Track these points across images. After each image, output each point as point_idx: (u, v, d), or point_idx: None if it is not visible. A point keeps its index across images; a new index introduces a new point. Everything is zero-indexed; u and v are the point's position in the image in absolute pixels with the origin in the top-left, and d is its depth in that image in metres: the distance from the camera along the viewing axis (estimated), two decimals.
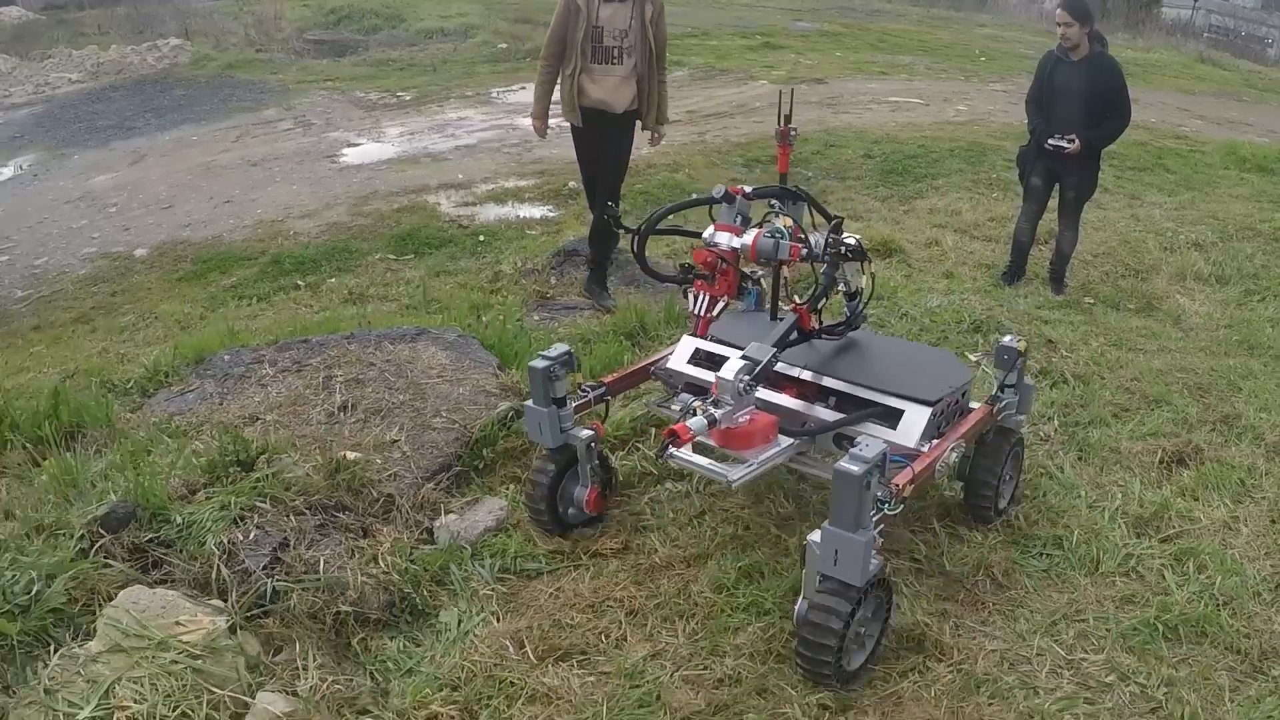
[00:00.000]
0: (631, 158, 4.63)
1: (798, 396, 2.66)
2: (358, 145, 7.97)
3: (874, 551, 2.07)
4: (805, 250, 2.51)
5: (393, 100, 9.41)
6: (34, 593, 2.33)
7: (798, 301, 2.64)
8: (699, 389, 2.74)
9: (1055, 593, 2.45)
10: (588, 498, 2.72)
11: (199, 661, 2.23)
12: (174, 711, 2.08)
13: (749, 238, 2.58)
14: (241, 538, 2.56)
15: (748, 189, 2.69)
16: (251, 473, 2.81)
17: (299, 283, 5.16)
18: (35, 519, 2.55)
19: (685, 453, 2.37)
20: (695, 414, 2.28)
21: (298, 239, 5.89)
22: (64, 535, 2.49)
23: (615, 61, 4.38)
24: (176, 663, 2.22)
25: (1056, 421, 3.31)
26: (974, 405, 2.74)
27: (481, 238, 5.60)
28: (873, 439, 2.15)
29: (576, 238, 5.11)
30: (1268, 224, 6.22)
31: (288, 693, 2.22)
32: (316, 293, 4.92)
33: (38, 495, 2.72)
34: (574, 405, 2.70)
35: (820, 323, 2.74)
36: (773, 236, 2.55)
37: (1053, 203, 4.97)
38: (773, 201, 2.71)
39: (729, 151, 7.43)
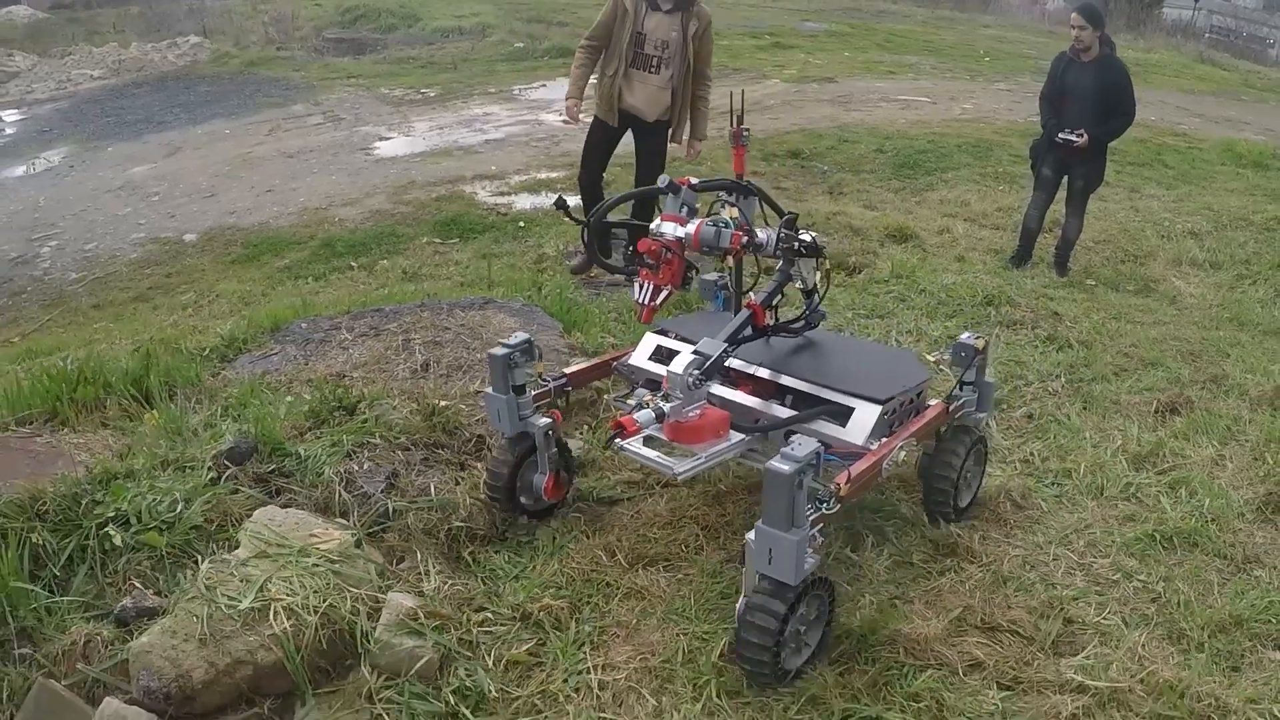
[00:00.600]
0: (688, 159, 4.91)
1: (754, 394, 2.73)
2: (389, 139, 8.38)
3: (811, 550, 2.11)
4: (746, 239, 2.54)
5: (418, 97, 9.82)
6: (176, 512, 2.71)
7: (752, 298, 2.70)
8: (656, 384, 2.79)
9: (1066, 513, 2.86)
10: (546, 485, 2.82)
11: (336, 565, 2.62)
12: (322, 604, 2.46)
13: (692, 227, 2.61)
14: (356, 468, 2.95)
15: (694, 180, 2.70)
16: (354, 417, 3.20)
17: (352, 264, 5.56)
18: (159, 455, 2.89)
19: (634, 444, 2.42)
20: (645, 407, 2.37)
21: (343, 225, 6.29)
22: (191, 468, 2.84)
23: (653, 70, 4.51)
24: (318, 565, 2.60)
25: (1063, 379, 3.74)
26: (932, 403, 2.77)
27: (521, 223, 6.01)
28: (806, 438, 2.18)
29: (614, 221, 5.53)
30: (1260, 215, 6.67)
31: (414, 592, 2.62)
32: (371, 272, 5.32)
33: (149, 440, 3.04)
34: (533, 394, 2.79)
35: (775, 319, 2.79)
36: (715, 225, 2.58)
37: (1061, 193, 5.39)
38: (722, 194, 2.75)
39: (749, 147, 7.84)
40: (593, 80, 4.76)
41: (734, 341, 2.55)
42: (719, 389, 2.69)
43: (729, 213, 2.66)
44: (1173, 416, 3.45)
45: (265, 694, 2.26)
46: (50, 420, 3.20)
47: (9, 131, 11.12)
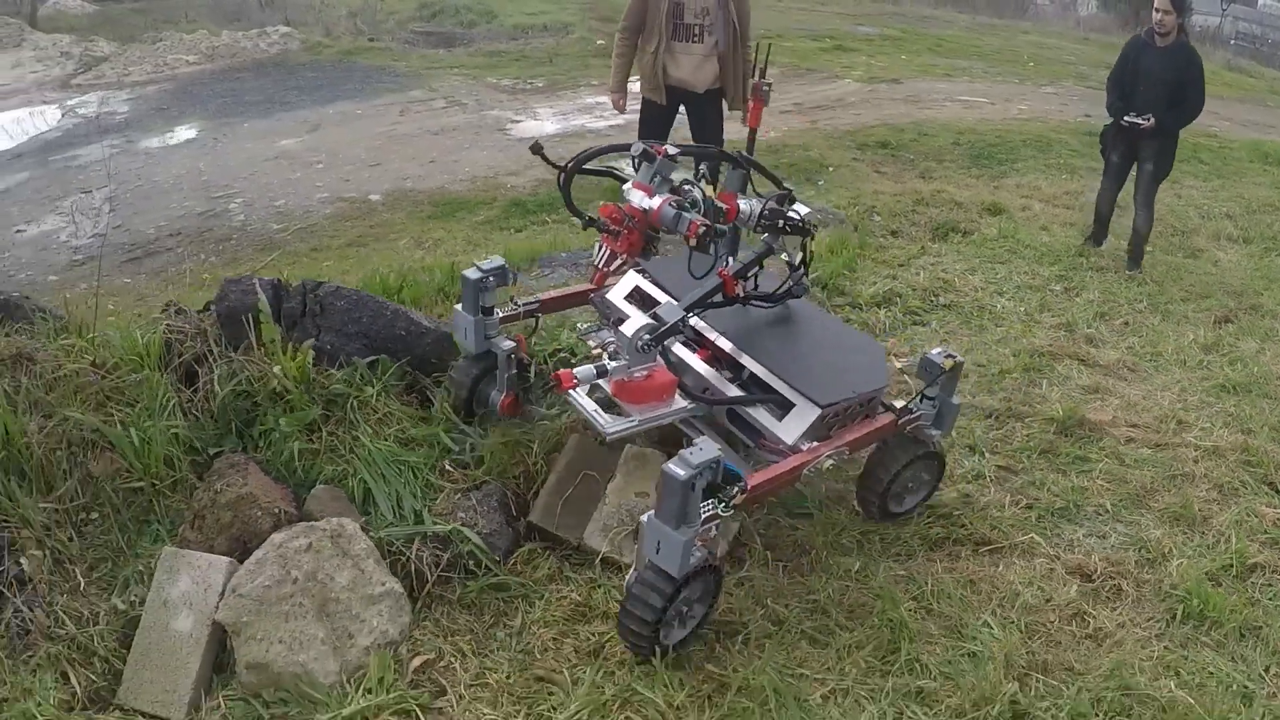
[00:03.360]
0: (764, 137, 5.40)
1: (710, 361, 2.83)
2: (519, 122, 9.96)
3: (699, 545, 2.28)
4: (704, 229, 2.55)
5: (527, 86, 11.42)
6: None
7: (726, 267, 2.78)
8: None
9: (1163, 375, 4.50)
10: (503, 402, 3.09)
11: None
12: None
13: (656, 201, 2.62)
14: None
15: (672, 149, 2.70)
16: None
17: (547, 219, 7.11)
18: None
19: (578, 394, 2.61)
20: (604, 356, 2.59)
21: (517, 190, 7.85)
22: None
23: (696, 40, 4.60)
24: None
25: (1145, 302, 5.37)
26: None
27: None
28: (708, 443, 2.32)
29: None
30: None
31: None
32: (573, 226, 6.88)
33: None
34: (501, 316, 3.04)
35: (745, 290, 2.89)
36: (675, 208, 2.60)
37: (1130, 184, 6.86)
38: (702, 166, 2.80)
39: (841, 136, 9.49)
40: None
41: (697, 309, 2.70)
42: (679, 349, 2.84)
43: (703, 189, 2.70)
44: (1226, 324, 5.10)
45: None
46: None
47: (124, 109, 12.60)
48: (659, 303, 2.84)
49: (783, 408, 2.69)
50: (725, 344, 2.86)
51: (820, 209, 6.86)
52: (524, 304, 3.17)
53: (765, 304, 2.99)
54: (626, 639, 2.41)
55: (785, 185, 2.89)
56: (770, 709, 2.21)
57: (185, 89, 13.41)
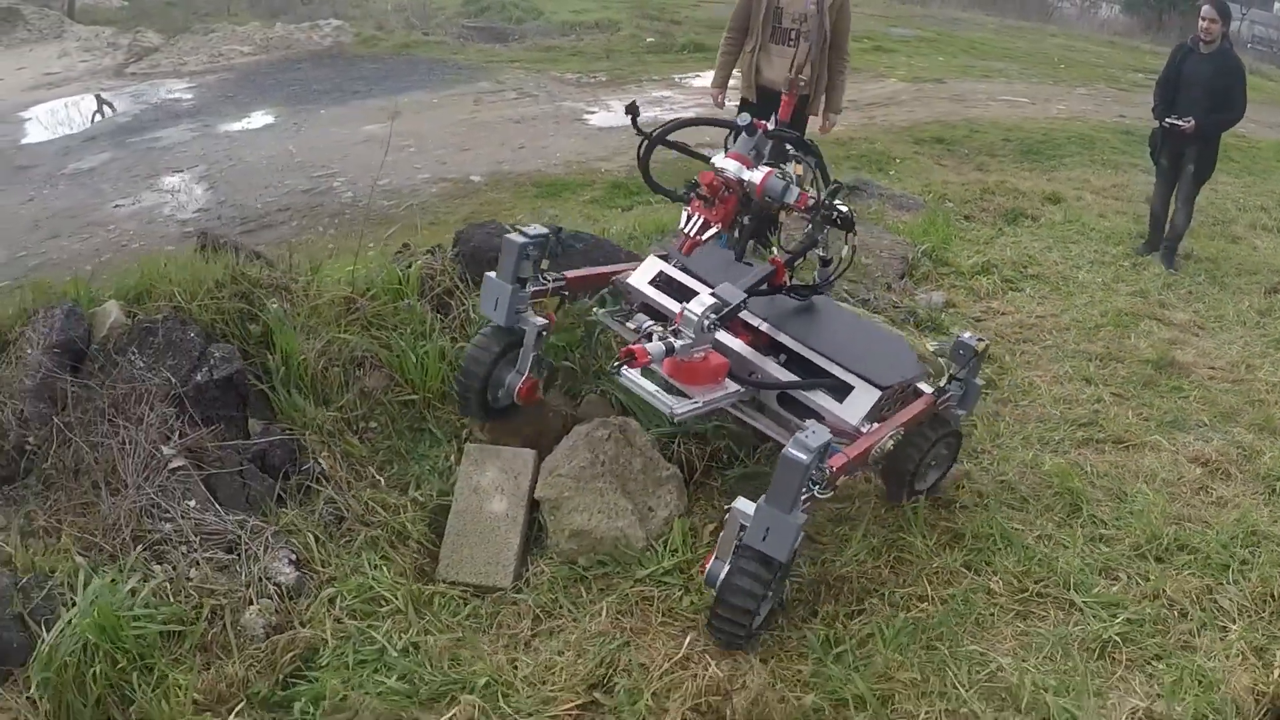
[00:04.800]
0: (827, 132, 5.56)
1: (750, 345, 2.92)
2: (594, 113, 10.88)
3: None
4: (813, 200, 2.68)
5: (591, 80, 12.35)
6: None
7: (779, 253, 2.93)
8: (654, 312, 3.07)
9: (1225, 333, 5.47)
10: (522, 386, 3.06)
11: None
12: None
13: (759, 174, 2.69)
14: None
15: (769, 125, 2.82)
16: None
17: (649, 200, 8.01)
18: None
19: (634, 375, 2.64)
20: (653, 339, 2.57)
21: (612, 174, 8.75)
22: None
23: (791, 43, 4.90)
24: None
25: (1204, 276, 6.36)
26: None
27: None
28: (819, 426, 2.39)
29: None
30: None
31: None
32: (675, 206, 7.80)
33: None
34: (532, 290, 2.99)
35: (791, 279, 3.02)
36: (784, 179, 2.69)
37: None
38: (789, 146, 2.90)
39: (899, 132, 10.47)
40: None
41: (751, 293, 2.78)
42: (722, 334, 2.90)
43: (794, 168, 2.81)
44: (1275, 294, 6.11)
45: None
46: None
47: (189, 97, 13.43)
48: (687, 288, 3.00)
49: (839, 391, 2.82)
50: (765, 327, 3.00)
51: (901, 194, 7.83)
52: (553, 279, 3.15)
53: (800, 296, 3.13)
54: (721, 633, 2.51)
55: (835, 180, 3.01)
56: (1000, 548, 3.09)
57: (247, 78, 14.23)
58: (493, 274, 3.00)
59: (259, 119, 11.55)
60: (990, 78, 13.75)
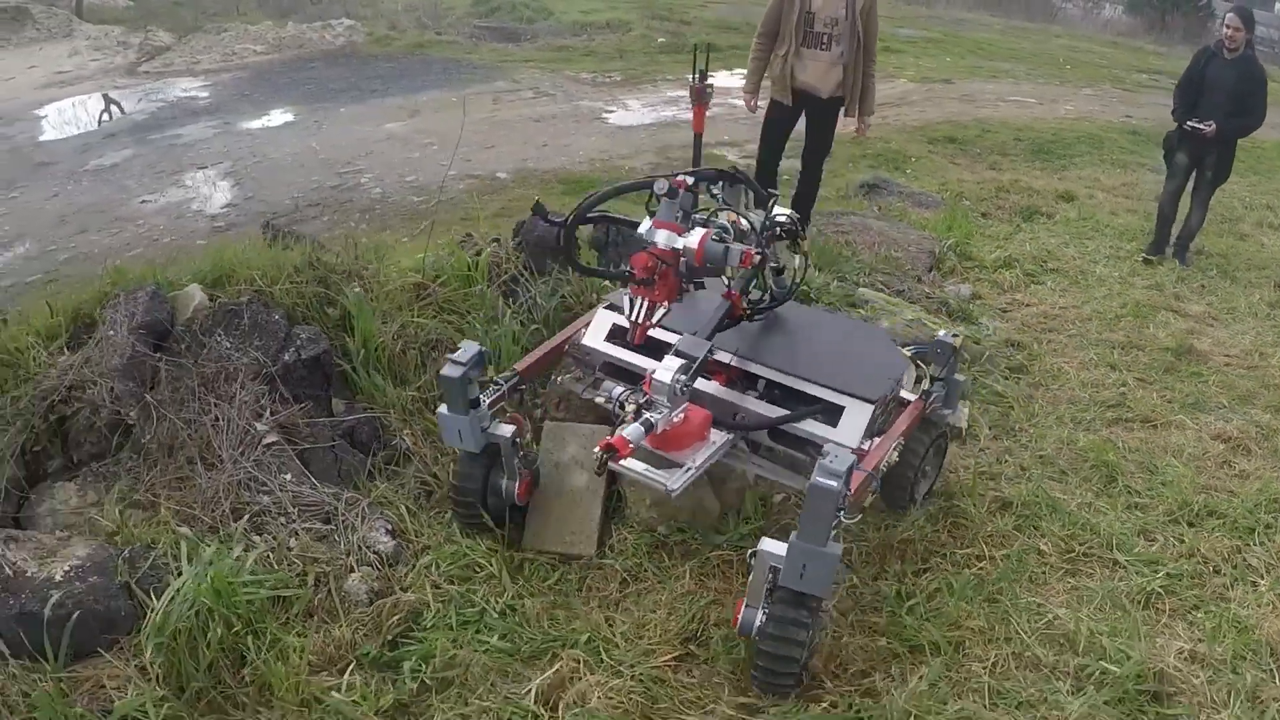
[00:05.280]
0: (860, 136, 5.85)
1: (725, 384, 2.84)
2: (613, 111, 11.11)
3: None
4: (759, 254, 2.58)
5: (606, 80, 12.59)
6: None
7: (728, 286, 2.78)
8: (619, 369, 3.00)
9: (1239, 324, 5.72)
10: (519, 489, 3.01)
11: None
12: None
13: (694, 239, 2.57)
14: None
15: (689, 180, 2.66)
16: None
17: None
18: None
19: (622, 463, 2.49)
20: (626, 419, 2.49)
21: (637, 172, 8.98)
22: None
23: (824, 47, 5.08)
24: None
25: (1215, 270, 6.62)
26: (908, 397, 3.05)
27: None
28: (841, 450, 2.30)
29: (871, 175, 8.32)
30: None
31: None
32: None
33: None
34: (489, 401, 2.88)
35: (748, 305, 2.92)
36: (721, 239, 2.58)
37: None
38: (713, 191, 2.79)
39: (912, 132, 10.73)
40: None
41: (713, 336, 2.70)
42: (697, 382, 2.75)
43: (726, 217, 2.72)
44: None
45: None
46: None
47: (205, 95, 13.63)
48: (651, 340, 2.86)
49: (830, 414, 2.74)
50: (754, 367, 2.90)
51: (919, 192, 8.08)
52: (506, 380, 3.05)
53: (760, 315, 3.04)
54: (769, 685, 2.45)
55: (770, 191, 2.94)
56: (1046, 514, 3.36)
57: (261, 77, 14.44)
58: (443, 409, 2.87)
59: (279, 117, 11.72)
60: (998, 78, 14.02)
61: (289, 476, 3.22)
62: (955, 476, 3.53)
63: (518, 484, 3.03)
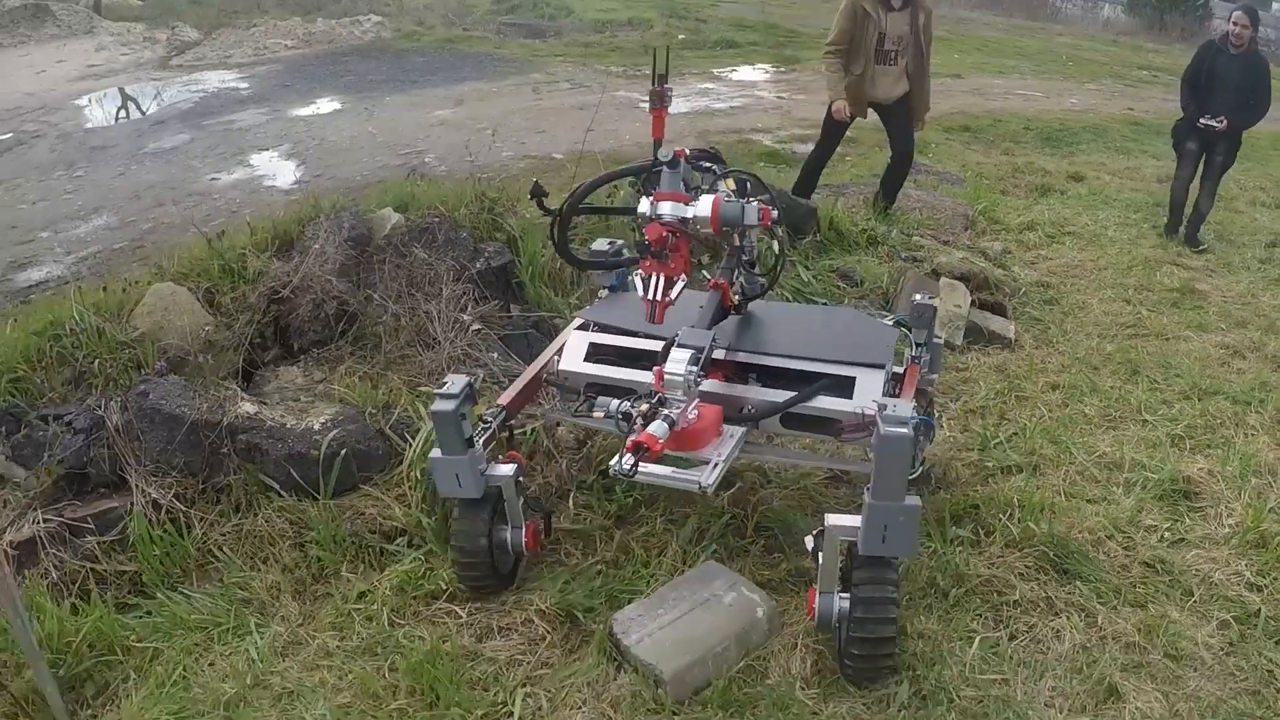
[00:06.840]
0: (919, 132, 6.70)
1: (723, 380, 2.84)
2: (647, 101, 12.11)
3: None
4: (776, 212, 2.57)
5: (636, 73, 13.62)
6: None
7: (716, 276, 2.80)
8: (606, 388, 2.93)
9: (1234, 276, 6.77)
10: (525, 538, 2.86)
11: None
12: None
13: (705, 204, 2.56)
14: None
15: (688, 151, 2.68)
16: None
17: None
18: None
19: (648, 467, 2.42)
20: (637, 419, 2.43)
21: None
22: None
23: (892, 63, 5.84)
24: None
25: (1213, 235, 7.70)
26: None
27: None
28: (896, 400, 2.33)
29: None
30: None
31: None
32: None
33: None
34: (481, 440, 2.72)
35: (735, 297, 2.93)
36: (734, 199, 2.58)
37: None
38: (713, 165, 2.81)
39: (929, 122, 11.74)
40: None
41: (713, 325, 2.69)
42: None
43: (726, 184, 2.73)
44: (1274, 248, 7.45)
45: None
46: None
47: (244, 86, 14.55)
48: (634, 351, 2.89)
49: (843, 387, 2.75)
50: (747, 357, 2.90)
51: (945, 171, 9.15)
52: (492, 415, 2.90)
53: (750, 301, 3.07)
54: (864, 672, 2.38)
55: (747, 172, 2.96)
56: (1086, 392, 4.46)
57: (296, 70, 15.37)
58: (436, 452, 2.74)
59: (326, 105, 12.58)
60: (1005, 74, 15.18)
61: (495, 355, 4.19)
62: (1011, 369, 4.56)
63: (524, 532, 2.90)
